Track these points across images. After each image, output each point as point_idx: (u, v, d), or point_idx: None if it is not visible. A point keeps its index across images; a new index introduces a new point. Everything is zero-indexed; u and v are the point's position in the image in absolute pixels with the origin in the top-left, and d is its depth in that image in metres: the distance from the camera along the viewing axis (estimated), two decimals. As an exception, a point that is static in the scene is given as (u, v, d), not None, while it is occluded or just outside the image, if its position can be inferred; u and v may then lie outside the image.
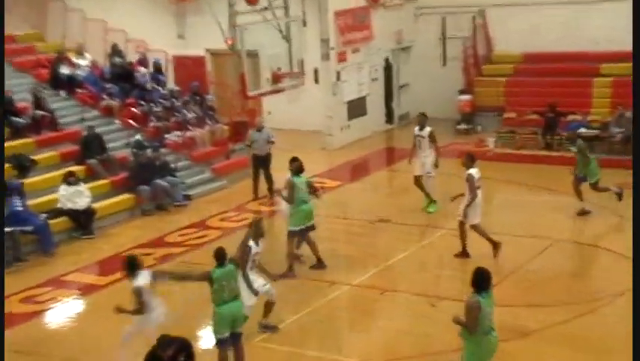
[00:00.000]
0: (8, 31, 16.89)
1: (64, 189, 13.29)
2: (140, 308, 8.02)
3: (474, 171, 11.01)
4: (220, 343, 8.01)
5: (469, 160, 11.06)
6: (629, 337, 8.66)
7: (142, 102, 16.84)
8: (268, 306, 9.08)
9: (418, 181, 13.21)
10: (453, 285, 10.61)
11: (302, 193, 10.85)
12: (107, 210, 13.89)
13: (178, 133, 16.33)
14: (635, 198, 8.15)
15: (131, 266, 8.27)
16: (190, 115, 16.75)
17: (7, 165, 13.18)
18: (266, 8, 15.33)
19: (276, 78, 15.73)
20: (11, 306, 10.41)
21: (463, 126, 19.32)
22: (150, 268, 8.97)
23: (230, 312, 7.94)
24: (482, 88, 19.39)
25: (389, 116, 20.71)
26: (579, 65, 18.47)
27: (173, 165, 15.39)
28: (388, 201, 14.38)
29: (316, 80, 18.98)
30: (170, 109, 16.87)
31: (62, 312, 10.56)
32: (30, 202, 12.79)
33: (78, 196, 13.32)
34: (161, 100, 17.08)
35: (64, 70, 16.88)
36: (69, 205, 13.20)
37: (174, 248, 12.57)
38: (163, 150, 15.51)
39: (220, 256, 8.02)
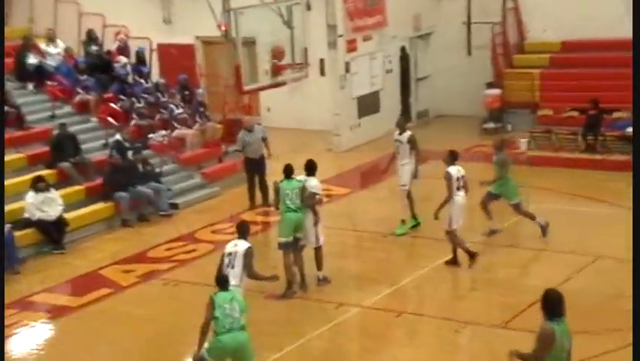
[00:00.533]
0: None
1: (32, 197, 13.31)
2: None
3: (453, 170, 11.40)
4: None
5: (450, 157, 11.60)
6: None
7: (122, 97, 16.89)
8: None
9: (409, 194, 12.98)
10: (479, 307, 10.57)
11: (288, 200, 10.83)
12: (82, 220, 13.90)
13: (163, 133, 16.37)
14: (635, 198, 8.16)
15: None
16: (177, 112, 16.78)
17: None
18: (265, -11, 15.40)
19: (276, 70, 15.74)
20: (-30, 331, 10.41)
21: (490, 125, 19.30)
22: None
23: (233, 342, 7.81)
24: (513, 81, 19.36)
25: (406, 114, 20.69)
26: (626, 54, 18.40)
27: (157, 170, 15.42)
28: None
29: (322, 72, 19.01)
30: (154, 105, 16.90)
31: (29, 338, 10.55)
32: (-7, 211, 12.81)
33: (48, 205, 13.34)
34: (144, 95, 17.13)
35: (32, 59, 16.94)
36: (38, 215, 13.22)
37: (159, 264, 12.58)
38: (146, 152, 15.54)
39: (221, 281, 8.10)
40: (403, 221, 12.93)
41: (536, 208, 14.20)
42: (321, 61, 18.84)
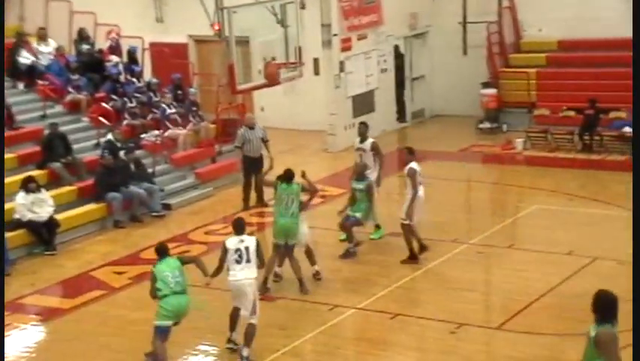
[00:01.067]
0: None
1: (22, 198, 13.27)
2: None
3: (416, 166, 11.60)
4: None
5: (409, 154, 11.87)
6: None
7: (114, 96, 16.85)
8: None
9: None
10: (475, 308, 10.58)
11: (283, 205, 10.90)
12: (73, 221, 13.87)
13: (156, 132, 16.34)
14: (635, 198, 8.18)
15: None
16: (170, 111, 16.75)
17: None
18: (258, -12, 15.35)
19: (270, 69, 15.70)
20: (-41, 333, 10.36)
21: (486, 125, 19.32)
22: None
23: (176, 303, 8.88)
24: (509, 80, 19.39)
25: (401, 114, 20.72)
26: (623, 54, 18.43)
27: (150, 170, 15.38)
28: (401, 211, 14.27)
29: (316, 72, 18.99)
30: (146, 105, 16.87)
31: (19, 341, 10.50)
32: (-17, 212, 12.76)
33: (39, 205, 13.30)
34: (136, 94, 17.09)
35: (24, 58, 16.90)
36: (28, 216, 13.18)
37: (151, 266, 12.43)
38: (139, 152, 15.51)
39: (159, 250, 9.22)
40: (377, 226, 12.87)
41: (532, 209, 14.25)
42: (316, 60, 18.83)
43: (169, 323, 8.91)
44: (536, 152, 17.42)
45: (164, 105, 16.78)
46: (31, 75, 16.78)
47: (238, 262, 9.17)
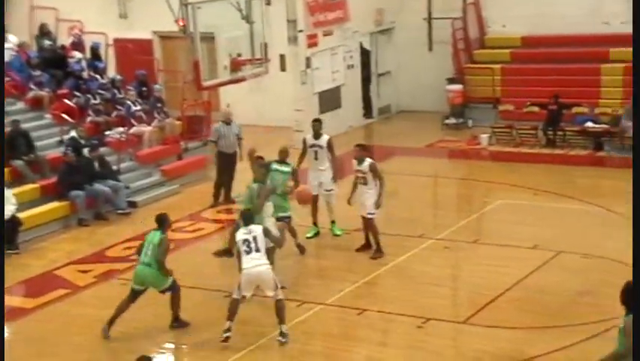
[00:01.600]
0: None
1: (-16, 196, 13.08)
2: None
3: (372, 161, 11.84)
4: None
5: (363, 150, 12.05)
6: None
7: (77, 93, 16.68)
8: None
9: (314, 202, 12.70)
10: (442, 303, 10.65)
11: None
12: (36, 220, 13.70)
13: (121, 129, 16.21)
14: (635, 198, 8.34)
15: None
16: (135, 108, 16.63)
17: None
18: (223, -17, 15.28)
19: (236, 65, 15.64)
20: None
21: (452, 121, 19.46)
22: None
23: (139, 273, 9.86)
24: (474, 76, 19.56)
25: (368, 109, 20.79)
26: (585, 50, 18.71)
27: (115, 167, 15.26)
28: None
29: (282, 68, 18.96)
30: (110, 101, 16.73)
31: (-18, 341, 10.34)
32: (-57, 211, 12.57)
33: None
34: (100, 91, 16.94)
35: (-16, 54, 16.63)
36: (-10, 215, 12.99)
37: (117, 264, 12.44)
38: (103, 149, 15.37)
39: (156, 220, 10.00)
40: (333, 222, 12.90)
41: (497, 204, 14.40)
42: (282, 56, 18.79)
43: (135, 286, 9.90)
44: (501, 147, 17.60)
45: (128, 102, 16.66)
46: (-9, 71, 16.53)
47: (247, 252, 9.38)
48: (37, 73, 16.76)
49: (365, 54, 20.43)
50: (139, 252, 10.00)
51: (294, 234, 12.08)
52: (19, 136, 14.70)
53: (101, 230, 14.00)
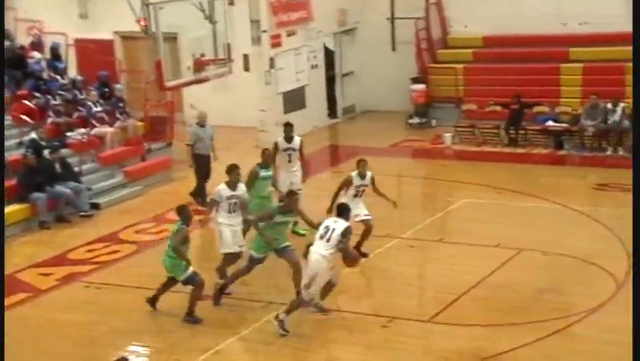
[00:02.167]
0: None
1: (-58, 199, 12.87)
2: None
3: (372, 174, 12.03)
4: None
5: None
6: (602, 357, 8.99)
7: (37, 94, 16.49)
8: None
9: None
10: (408, 302, 10.73)
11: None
12: (-4, 223, 13.52)
13: (82, 131, 16.06)
14: (635, 198, 8.51)
15: None
16: (96, 109, 16.48)
17: None
18: (186, -17, 15.22)
19: (199, 66, 15.61)
20: None
21: (416, 120, 19.60)
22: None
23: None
24: (437, 76, 19.72)
25: (332, 109, 20.84)
26: (545, 50, 18.98)
27: (76, 169, 15.11)
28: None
29: (246, 68, 18.93)
30: (71, 102, 16.55)
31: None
32: None
33: (-40, 207, 12.92)
34: (60, 92, 16.77)
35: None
36: (-51, 218, 12.79)
37: (80, 266, 12.33)
38: (64, 151, 15.21)
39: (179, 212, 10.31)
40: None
41: (460, 203, 14.54)
42: (245, 56, 18.76)
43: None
44: (464, 146, 17.77)
45: (90, 103, 16.51)
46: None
47: (322, 236, 9.75)
48: (-4, 74, 16.52)
49: (329, 54, 20.48)
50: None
51: None
52: (-23, 138, 14.48)
53: (62, 233, 13.86)
